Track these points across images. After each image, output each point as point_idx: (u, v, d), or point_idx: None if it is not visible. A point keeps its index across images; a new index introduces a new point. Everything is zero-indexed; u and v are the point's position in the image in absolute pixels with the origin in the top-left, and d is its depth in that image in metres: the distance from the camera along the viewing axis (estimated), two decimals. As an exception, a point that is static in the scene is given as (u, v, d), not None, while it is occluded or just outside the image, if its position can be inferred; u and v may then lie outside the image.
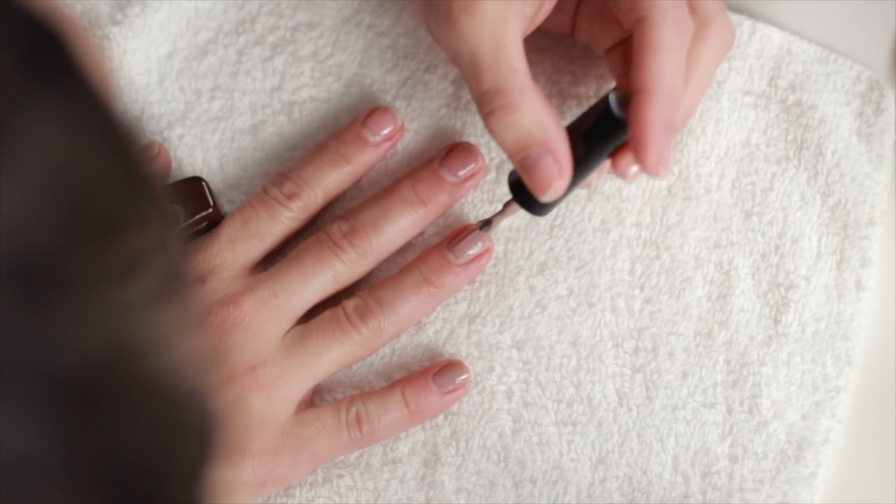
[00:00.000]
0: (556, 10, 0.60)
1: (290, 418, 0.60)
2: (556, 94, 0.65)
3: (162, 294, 0.29)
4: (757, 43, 0.65)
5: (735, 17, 0.65)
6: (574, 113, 0.65)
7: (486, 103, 0.55)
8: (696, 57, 0.57)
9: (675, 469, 0.62)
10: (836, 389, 0.62)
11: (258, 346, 0.60)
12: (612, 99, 0.56)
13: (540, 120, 0.55)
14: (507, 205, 0.60)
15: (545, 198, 0.56)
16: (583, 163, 0.56)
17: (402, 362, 0.63)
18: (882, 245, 0.64)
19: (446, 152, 0.63)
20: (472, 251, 0.62)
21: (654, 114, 0.54)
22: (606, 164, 0.57)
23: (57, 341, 0.27)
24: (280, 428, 0.60)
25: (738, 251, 0.63)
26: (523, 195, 0.57)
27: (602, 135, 0.56)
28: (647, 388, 0.62)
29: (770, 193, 0.64)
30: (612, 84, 0.62)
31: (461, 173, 0.62)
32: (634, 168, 0.56)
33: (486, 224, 0.61)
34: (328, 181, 0.63)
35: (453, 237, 0.62)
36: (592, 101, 0.64)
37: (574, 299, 0.63)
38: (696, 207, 0.64)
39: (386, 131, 0.64)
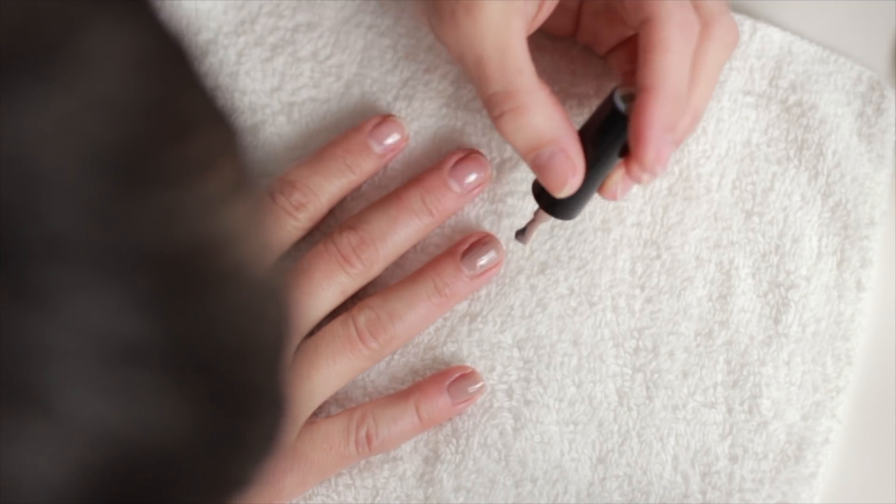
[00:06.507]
0: (558, 10, 0.60)
1: (297, 436, 0.60)
2: (557, 94, 0.65)
3: (235, 191, 0.30)
4: (758, 43, 0.65)
5: (736, 17, 0.65)
6: (574, 113, 0.65)
7: (496, 106, 0.55)
8: (702, 58, 0.57)
9: (675, 469, 0.62)
10: (837, 390, 0.62)
11: None
12: (618, 95, 0.56)
13: (549, 119, 0.55)
14: (536, 213, 0.60)
15: (561, 194, 0.56)
16: (596, 161, 0.56)
17: (404, 361, 0.63)
18: (882, 245, 0.64)
19: (455, 162, 0.63)
20: (484, 262, 0.62)
21: (657, 112, 0.54)
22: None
23: (156, 228, 0.28)
24: (287, 448, 0.60)
25: (739, 251, 0.64)
26: (548, 200, 0.58)
27: (608, 130, 0.56)
28: (648, 388, 0.62)
29: (770, 193, 0.64)
30: (615, 83, 0.62)
31: (469, 183, 0.62)
32: (652, 175, 0.56)
33: (521, 233, 0.61)
34: (334, 190, 0.63)
35: (468, 249, 0.62)
36: (593, 101, 0.64)
37: (575, 299, 0.63)
38: (697, 207, 0.64)
39: (393, 142, 0.64)
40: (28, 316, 0.27)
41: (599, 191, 0.58)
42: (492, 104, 0.56)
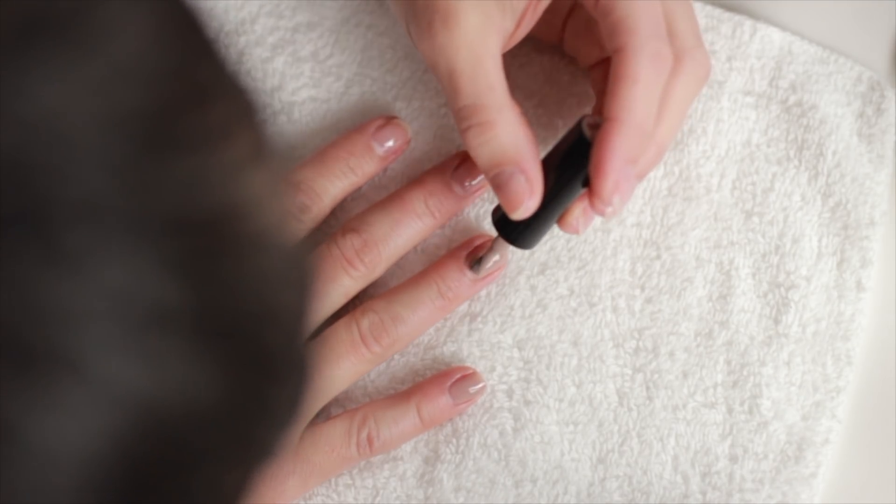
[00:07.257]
0: (545, 22, 0.61)
1: (300, 439, 0.60)
2: (556, 93, 0.65)
3: (254, 159, 0.31)
4: (758, 43, 0.65)
5: (736, 17, 0.65)
6: (574, 112, 0.65)
7: (464, 119, 0.56)
8: (670, 92, 0.57)
9: (675, 469, 0.62)
10: (837, 390, 0.62)
11: None
12: (585, 122, 0.56)
13: (514, 138, 0.55)
14: (494, 241, 0.61)
15: (516, 215, 0.56)
16: (557, 188, 0.57)
17: (405, 361, 0.63)
18: (882, 245, 0.64)
19: (457, 163, 0.63)
20: (488, 266, 0.62)
21: (619, 143, 0.54)
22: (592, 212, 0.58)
23: (181, 193, 0.28)
24: (289, 452, 0.60)
25: (739, 251, 0.64)
26: (508, 229, 0.58)
27: (572, 157, 0.56)
28: (648, 388, 0.62)
29: (770, 194, 0.64)
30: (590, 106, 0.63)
31: (472, 185, 0.63)
32: (610, 206, 0.56)
33: (477, 264, 0.62)
34: (336, 192, 0.63)
35: (471, 252, 0.62)
36: (593, 101, 0.64)
37: (575, 299, 0.63)
38: (697, 207, 0.64)
39: (395, 145, 0.64)
40: (57, 279, 0.27)
41: (560, 223, 0.58)
42: (460, 117, 0.56)
